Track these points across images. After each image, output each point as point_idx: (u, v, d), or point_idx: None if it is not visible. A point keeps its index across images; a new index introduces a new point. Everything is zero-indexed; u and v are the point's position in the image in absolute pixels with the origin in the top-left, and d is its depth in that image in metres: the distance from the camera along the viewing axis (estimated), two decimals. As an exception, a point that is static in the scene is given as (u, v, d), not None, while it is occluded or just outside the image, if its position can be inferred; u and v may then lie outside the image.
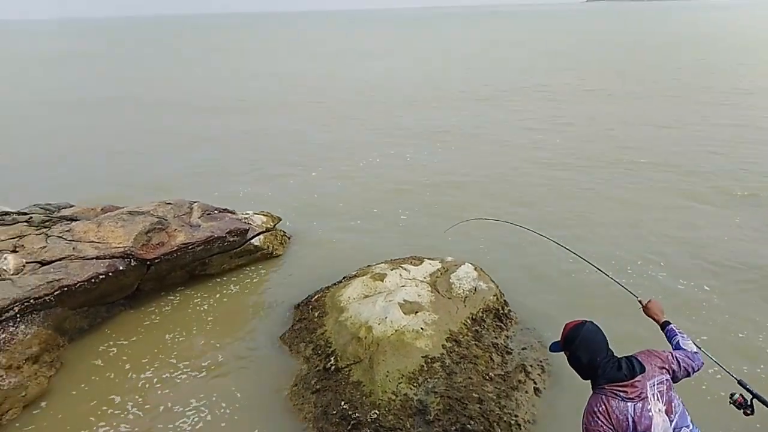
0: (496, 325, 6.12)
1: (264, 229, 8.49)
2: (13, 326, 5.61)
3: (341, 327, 5.90)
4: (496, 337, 5.90)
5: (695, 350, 3.00)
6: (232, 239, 7.68)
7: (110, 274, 6.28)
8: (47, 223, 7.16)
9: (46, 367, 5.75)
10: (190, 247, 7.19)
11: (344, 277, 7.14)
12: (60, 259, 6.25)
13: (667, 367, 2.77)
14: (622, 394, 2.58)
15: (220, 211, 8.31)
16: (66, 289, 5.90)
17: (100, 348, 6.08)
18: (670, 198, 10.25)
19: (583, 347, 2.70)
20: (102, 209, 7.94)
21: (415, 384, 5.00)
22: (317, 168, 13.22)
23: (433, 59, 38.81)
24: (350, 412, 4.83)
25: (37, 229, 6.93)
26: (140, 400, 5.32)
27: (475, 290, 6.43)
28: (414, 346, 5.39)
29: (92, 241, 6.60)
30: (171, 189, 11.18)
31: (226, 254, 7.78)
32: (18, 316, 5.64)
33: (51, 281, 5.85)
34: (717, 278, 7.25)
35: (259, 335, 6.42)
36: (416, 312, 5.85)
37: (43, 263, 6.19)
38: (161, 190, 10.95)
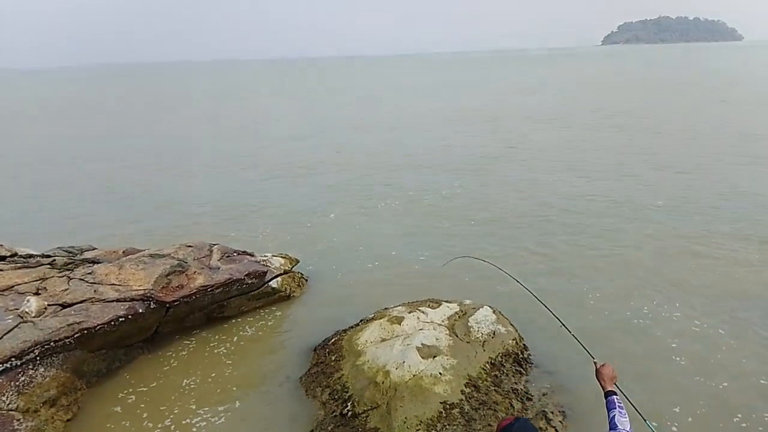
0: (516, 369, 6.01)
1: (282, 271, 8.52)
2: (32, 369, 5.64)
3: (358, 371, 5.84)
4: (516, 383, 5.79)
5: (628, 429, 3.00)
6: (250, 281, 7.71)
7: (130, 316, 6.32)
8: (70, 266, 7.28)
9: (63, 410, 5.74)
10: (209, 289, 7.23)
11: (361, 320, 7.11)
12: (81, 302, 6.32)
13: None
14: None
15: (239, 254, 8.38)
16: (86, 331, 5.95)
17: (119, 395, 6.05)
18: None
19: None
20: (124, 252, 8.06)
21: (433, 430, 4.90)
22: (335, 210, 13.32)
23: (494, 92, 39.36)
24: (367, 460, 4.74)
25: (59, 272, 7.04)
26: (156, 446, 5.29)
27: (494, 334, 6.35)
28: (432, 391, 5.31)
29: (113, 284, 6.67)
30: (190, 231, 11.35)
31: (244, 296, 7.81)
32: (38, 358, 5.68)
33: (72, 324, 5.91)
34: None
35: (276, 379, 6.37)
36: (434, 356, 5.78)
37: (64, 306, 6.27)
38: (181, 231, 11.11)
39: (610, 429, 3.02)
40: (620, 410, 3.10)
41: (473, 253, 8.45)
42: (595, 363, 3.55)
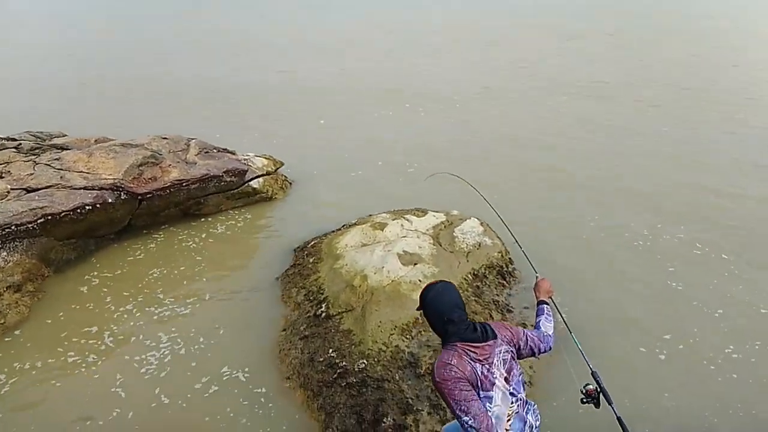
0: (498, 282, 5.81)
1: (264, 172, 8.16)
2: (-7, 252, 5.39)
3: (336, 274, 5.62)
4: (497, 295, 5.60)
5: (550, 333, 3.14)
6: (229, 179, 7.37)
7: (98, 205, 6.01)
8: (36, 151, 6.88)
9: (29, 296, 5.56)
10: (184, 184, 6.90)
11: (344, 225, 6.84)
12: (46, 187, 5.99)
13: (514, 341, 2.87)
14: (472, 354, 2.65)
15: (219, 151, 7.99)
16: (50, 217, 5.65)
17: (85, 277, 5.89)
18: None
19: (434, 305, 2.79)
20: (96, 140, 7.63)
21: (408, 336, 4.73)
22: (326, 114, 12.79)
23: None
24: (337, 360, 4.58)
25: (25, 156, 6.66)
26: (116, 330, 5.14)
27: (479, 245, 6.11)
28: (410, 297, 5.09)
29: (81, 171, 6.31)
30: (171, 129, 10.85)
31: (222, 195, 7.49)
32: (0, 242, 5.41)
33: (35, 208, 5.60)
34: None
35: (250, 277, 6.18)
36: (415, 264, 5.54)
37: (28, 190, 5.94)
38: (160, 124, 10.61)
39: (534, 328, 3.17)
40: (547, 316, 3.23)
41: (458, 172, 8.11)
42: (536, 277, 3.63)
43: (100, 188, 6.09)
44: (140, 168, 6.56)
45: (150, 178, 6.59)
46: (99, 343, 4.96)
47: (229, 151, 8.10)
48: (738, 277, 6.21)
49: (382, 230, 6.22)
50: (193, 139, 7.81)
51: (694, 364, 4.93)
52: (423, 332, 4.77)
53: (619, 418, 2.85)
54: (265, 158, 8.62)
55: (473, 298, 5.39)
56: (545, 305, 3.32)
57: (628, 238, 7.12)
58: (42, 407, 4.24)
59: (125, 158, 6.57)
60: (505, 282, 5.85)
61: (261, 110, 13.23)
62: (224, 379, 4.64)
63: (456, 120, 12.60)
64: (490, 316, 5.21)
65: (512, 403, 2.70)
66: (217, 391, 4.50)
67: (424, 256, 5.71)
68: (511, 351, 2.79)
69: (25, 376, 4.55)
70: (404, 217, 6.55)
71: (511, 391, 2.71)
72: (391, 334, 4.72)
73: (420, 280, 5.30)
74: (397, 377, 4.37)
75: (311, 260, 6.15)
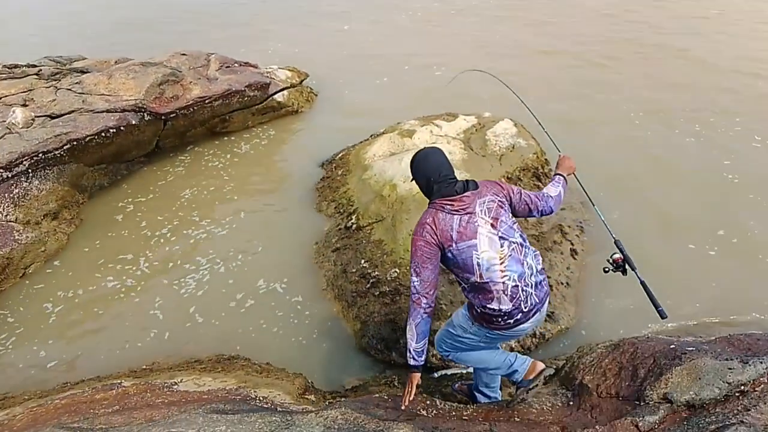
0: (534, 184, 5.58)
1: (289, 85, 7.91)
2: (26, 182, 5.43)
3: (364, 185, 5.50)
4: (532, 197, 5.41)
5: (552, 195, 3.05)
6: (252, 94, 7.16)
7: (122, 128, 5.93)
8: (57, 76, 6.77)
9: (66, 223, 5.64)
10: (207, 101, 6.74)
11: (371, 135, 6.63)
12: (69, 113, 5.91)
13: (504, 193, 2.83)
14: (448, 207, 2.66)
15: (240, 65, 7.72)
16: (76, 143, 5.61)
17: (119, 204, 5.92)
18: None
19: (420, 169, 2.80)
20: (116, 61, 7.47)
21: (440, 244, 4.63)
22: (350, 21, 12.22)
23: None
24: (369, 271, 4.55)
25: (46, 82, 6.56)
26: (152, 256, 5.17)
27: (513, 147, 5.84)
28: (441, 204, 4.96)
29: (102, 94, 6.19)
30: (190, 41, 10.53)
31: (247, 110, 7.32)
32: (29, 171, 5.44)
33: (59, 134, 5.56)
34: None
35: (281, 193, 6.12)
36: (446, 169, 5.35)
37: (52, 117, 5.88)
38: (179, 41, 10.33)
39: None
40: (555, 184, 3.14)
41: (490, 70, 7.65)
42: (559, 154, 3.46)
43: (123, 110, 5.99)
44: (161, 87, 6.40)
45: (172, 97, 6.44)
46: (135, 269, 5.02)
47: (251, 65, 7.83)
48: None
49: (411, 137, 6.00)
50: (213, 54, 7.56)
51: (748, 258, 4.71)
52: (455, 239, 4.66)
53: (642, 282, 2.81)
54: (289, 70, 8.34)
55: (507, 202, 5.21)
56: (560, 176, 3.21)
57: (678, 134, 6.72)
58: (85, 334, 4.36)
59: (145, 77, 6.40)
60: (540, 184, 5.62)
61: (282, 21, 12.71)
62: (260, 292, 4.69)
63: (483, 23, 11.87)
64: (525, 218, 5.05)
65: (502, 246, 2.67)
66: (252, 305, 4.55)
67: (455, 161, 5.50)
68: (498, 200, 2.75)
69: (69, 303, 4.68)
70: (433, 123, 6.29)
71: (500, 235, 2.68)
72: (423, 243, 4.62)
73: (451, 187, 5.13)
74: (431, 285, 4.32)
75: (340, 172, 6.03)
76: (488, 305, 2.66)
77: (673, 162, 6.17)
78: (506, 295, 2.64)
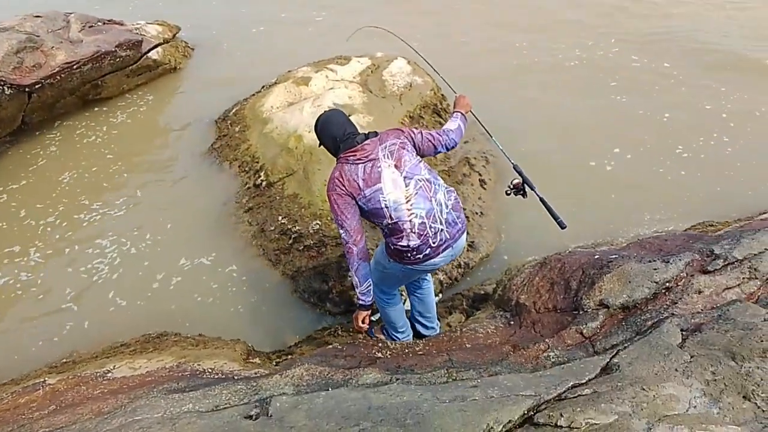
0: (435, 120, 5.69)
1: (162, 40, 7.31)
2: None
3: (267, 139, 5.30)
4: (436, 134, 5.51)
5: (452, 128, 3.21)
6: (124, 54, 6.55)
7: (-22, 105, 5.23)
8: None
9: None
10: (75, 66, 6.08)
11: (263, 87, 6.34)
12: None
13: (405, 135, 2.96)
14: (351, 158, 2.78)
15: (104, 23, 6.99)
16: (-76, 127, 4.88)
17: (-13, 195, 5.27)
18: None
19: (324, 131, 2.92)
20: (-49, 29, 6.45)
21: (356, 190, 4.62)
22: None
23: None
24: (290, 226, 4.46)
25: None
26: (42, 246, 4.69)
27: (411, 86, 5.86)
28: (350, 150, 4.92)
29: (-54, 68, 5.38)
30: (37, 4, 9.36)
31: (121, 73, 6.70)
32: None
33: None
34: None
35: (175, 158, 5.76)
36: (349, 115, 5.23)
37: None
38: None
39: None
40: (453, 119, 3.29)
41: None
42: (455, 93, 3.60)
43: (-24, 85, 5.26)
44: (18, 55, 5.65)
45: (33, 66, 5.72)
46: (27, 261, 4.55)
47: (116, 22, 7.11)
48: (680, 81, 6.35)
49: (307, 85, 5.82)
50: (71, 13, 6.74)
51: (644, 169, 5.11)
52: (370, 183, 4.67)
53: (541, 198, 3.01)
54: (159, 24, 7.69)
55: (413, 141, 5.27)
56: (457, 113, 3.34)
57: (561, 59, 7.06)
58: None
59: (-5, 46, 5.62)
60: (441, 120, 5.73)
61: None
62: (180, 266, 4.43)
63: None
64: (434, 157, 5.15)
65: (407, 185, 2.79)
66: (175, 281, 4.32)
67: (357, 106, 5.44)
68: (400, 143, 2.87)
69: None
70: (327, 68, 6.13)
71: (405, 175, 2.80)
72: (339, 191, 4.59)
73: (357, 132, 5.09)
74: (354, 231, 4.32)
75: (237, 129, 5.75)
76: (399, 243, 2.81)
77: (564, 86, 6.49)
78: (414, 232, 2.78)
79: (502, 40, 7.68)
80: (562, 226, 2.84)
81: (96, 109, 6.59)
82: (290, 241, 4.38)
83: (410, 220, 2.76)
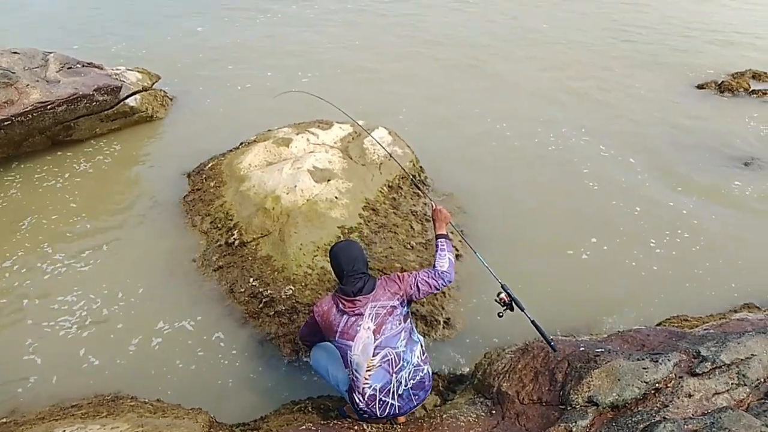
0: (414, 192, 5.71)
1: (141, 88, 7.24)
2: None
3: (243, 197, 5.20)
4: (414, 205, 5.51)
5: (445, 269, 3.21)
6: (101, 98, 6.44)
7: (-58, 138, 4.99)
8: None
9: None
10: (48, 107, 5.93)
11: (241, 143, 6.29)
12: None
13: (400, 293, 3.05)
14: (341, 305, 2.96)
15: (84, 65, 6.89)
16: None
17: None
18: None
19: (336, 259, 3.09)
20: None
21: (332, 256, 4.52)
22: (203, 23, 11.55)
23: None
24: (261, 289, 4.30)
25: None
26: (4, 300, 4.38)
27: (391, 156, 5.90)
28: (328, 216, 4.85)
29: None
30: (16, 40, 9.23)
31: (96, 117, 6.56)
32: None
33: None
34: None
35: (143, 212, 5.57)
36: (328, 180, 5.25)
37: None
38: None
39: (432, 268, 3.23)
40: (441, 253, 3.27)
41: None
42: (432, 205, 3.62)
43: (-58, 117, 5.04)
44: (-9, 90, 5.49)
45: (5, 102, 5.54)
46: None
47: (95, 66, 7.02)
48: (644, 175, 6.57)
49: (288, 146, 5.80)
50: (51, 52, 6.64)
51: (618, 261, 5.14)
52: (347, 250, 4.58)
53: (533, 321, 2.97)
54: (139, 71, 7.64)
55: (392, 211, 5.26)
56: (441, 239, 3.34)
57: (537, 141, 7.27)
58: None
59: (-32, 79, 5.44)
60: (419, 192, 5.76)
61: (123, 20, 11.63)
62: (151, 330, 4.18)
63: (345, 26, 11.94)
64: (411, 227, 5.13)
65: (374, 356, 2.88)
66: (140, 341, 4.06)
67: (336, 171, 5.43)
68: (390, 306, 2.97)
69: None
70: (308, 131, 6.14)
71: (377, 344, 2.89)
72: (315, 256, 4.49)
73: (336, 197, 5.05)
74: (328, 300, 4.19)
75: (212, 184, 5.63)
76: (353, 393, 2.94)
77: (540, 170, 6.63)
78: (363, 399, 2.90)
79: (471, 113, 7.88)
80: (554, 350, 2.86)
81: (59, 153, 6.39)
82: (260, 305, 4.21)
83: (362, 388, 2.89)
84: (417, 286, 3.09)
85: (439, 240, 3.34)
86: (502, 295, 3.12)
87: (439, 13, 12.94)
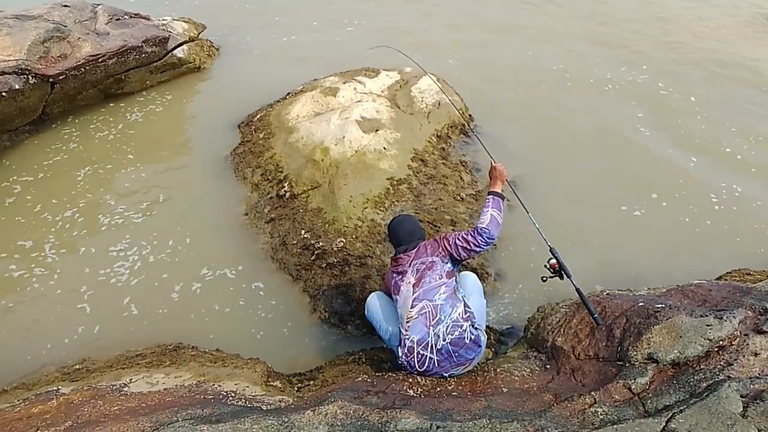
0: (463, 141, 5.60)
1: (187, 38, 7.24)
2: None
3: (292, 149, 5.22)
4: (464, 155, 5.43)
5: (485, 225, 3.12)
6: (150, 50, 6.47)
7: (4, 93, 5.14)
8: None
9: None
10: (100, 59, 6.00)
11: (289, 93, 6.26)
12: (-67, 78, 5.01)
13: (439, 250, 3.17)
14: (393, 267, 3.26)
15: (131, 16, 6.91)
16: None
17: (2, 185, 5.16)
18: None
19: (393, 232, 3.43)
20: (-22, 14, 6.39)
21: (382, 208, 4.53)
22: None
23: None
24: (312, 242, 4.36)
25: None
26: (58, 242, 4.58)
27: (439, 104, 5.78)
28: (377, 167, 4.83)
29: (-28, 55, 5.30)
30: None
31: (145, 69, 6.62)
32: None
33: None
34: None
35: (195, 162, 5.66)
36: (376, 130, 5.19)
37: None
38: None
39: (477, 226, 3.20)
40: (485, 209, 3.21)
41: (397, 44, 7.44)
42: (491, 162, 3.52)
43: (2, 73, 5.17)
44: (45, 45, 5.57)
45: (59, 56, 5.65)
46: (44, 258, 4.43)
47: (142, 16, 7.03)
48: (703, 117, 6.24)
49: (335, 96, 5.74)
50: (99, 4, 6.67)
51: (675, 218, 4.94)
52: (396, 202, 4.59)
53: (578, 290, 2.89)
54: (185, 22, 7.62)
55: (441, 161, 5.19)
56: (492, 197, 3.26)
57: (594, 83, 7.00)
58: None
59: (24, 34, 5.52)
60: (469, 140, 5.65)
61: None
62: (205, 280, 4.31)
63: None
64: (461, 177, 5.07)
65: (412, 307, 3.01)
66: (193, 291, 4.20)
67: (384, 121, 5.37)
68: (430, 261, 3.12)
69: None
70: (355, 79, 6.06)
71: (416, 296, 3.02)
72: (365, 208, 4.50)
73: (384, 148, 5.00)
74: (378, 251, 4.23)
75: (261, 135, 5.66)
76: (398, 346, 3.06)
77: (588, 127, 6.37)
78: (404, 348, 2.99)
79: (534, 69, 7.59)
80: (598, 323, 2.77)
81: (113, 105, 6.50)
82: (312, 257, 4.28)
83: (403, 341, 3.00)
84: (455, 242, 3.15)
85: (488, 197, 3.28)
86: (552, 261, 3.05)
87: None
